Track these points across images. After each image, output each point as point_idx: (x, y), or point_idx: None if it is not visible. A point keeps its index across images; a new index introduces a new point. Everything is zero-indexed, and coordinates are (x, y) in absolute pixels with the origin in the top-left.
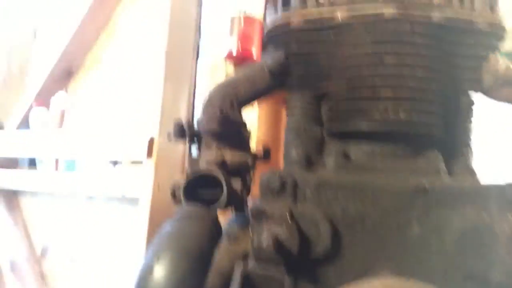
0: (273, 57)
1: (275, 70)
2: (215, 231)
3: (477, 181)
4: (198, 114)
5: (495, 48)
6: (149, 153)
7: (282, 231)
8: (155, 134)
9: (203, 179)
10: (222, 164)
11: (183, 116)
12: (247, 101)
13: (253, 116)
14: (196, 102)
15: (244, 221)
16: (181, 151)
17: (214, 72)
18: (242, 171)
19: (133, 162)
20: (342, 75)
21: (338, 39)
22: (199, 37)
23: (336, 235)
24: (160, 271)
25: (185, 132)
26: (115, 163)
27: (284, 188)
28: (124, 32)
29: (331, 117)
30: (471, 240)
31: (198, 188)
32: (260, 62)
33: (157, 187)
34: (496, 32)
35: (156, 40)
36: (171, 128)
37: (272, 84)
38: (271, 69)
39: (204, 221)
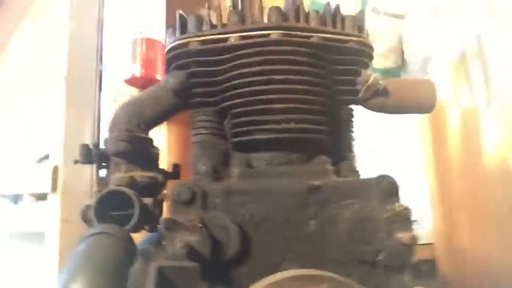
0: (175, 77)
1: (177, 90)
2: (131, 248)
3: (360, 178)
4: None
5: (365, 65)
6: (54, 184)
7: (194, 238)
8: (59, 163)
9: (114, 200)
10: (132, 184)
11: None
12: (153, 121)
13: (162, 139)
14: (102, 128)
15: (158, 239)
16: (88, 180)
17: (118, 97)
18: (153, 190)
19: (36, 196)
20: (239, 92)
21: (232, 59)
22: (101, 61)
23: (245, 237)
24: None
25: (92, 155)
26: (16, 197)
27: (194, 198)
28: (20, 59)
29: (233, 131)
30: (360, 228)
31: (109, 210)
32: (162, 83)
33: (64, 220)
34: (365, 50)
35: (55, 66)
36: (76, 155)
37: (176, 103)
38: (174, 89)
39: (118, 237)
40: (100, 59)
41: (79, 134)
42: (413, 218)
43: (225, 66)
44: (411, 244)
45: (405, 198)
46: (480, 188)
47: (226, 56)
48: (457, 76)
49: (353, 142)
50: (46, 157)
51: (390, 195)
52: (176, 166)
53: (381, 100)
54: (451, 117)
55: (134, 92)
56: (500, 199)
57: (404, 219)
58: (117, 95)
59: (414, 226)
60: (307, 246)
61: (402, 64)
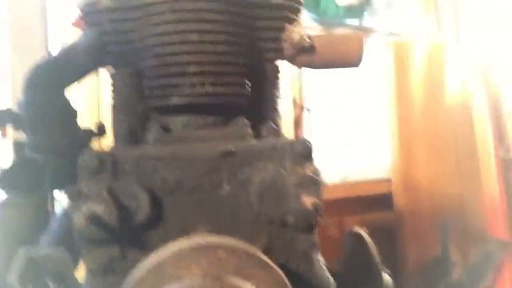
0: (88, 36)
1: (90, 50)
2: (42, 218)
3: (276, 139)
4: None
5: (291, 20)
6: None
7: (100, 207)
8: None
9: (27, 164)
10: (50, 147)
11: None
12: (68, 80)
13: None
14: None
15: None
16: None
17: (66, 40)
18: (73, 152)
19: None
20: (153, 52)
21: (146, 18)
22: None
23: (156, 202)
24: None
25: (5, 118)
26: None
27: (102, 166)
28: None
29: (149, 93)
30: (269, 191)
31: (22, 174)
32: (76, 42)
33: None
34: (290, 4)
35: None
36: None
37: (90, 63)
38: (86, 49)
39: (24, 206)
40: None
41: None
42: (321, 182)
43: (139, 24)
44: (314, 209)
45: (365, 133)
46: (440, 125)
47: (140, 13)
48: (426, 11)
49: (278, 100)
50: None
51: (304, 158)
52: (100, 125)
53: (307, 56)
54: (417, 54)
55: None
56: (458, 136)
57: (311, 183)
58: (66, 39)
59: (321, 190)
60: (219, 209)
61: (366, 1)
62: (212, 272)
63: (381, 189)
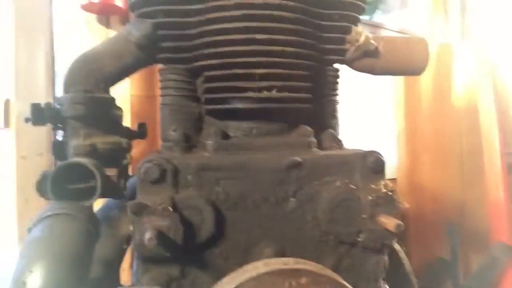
0: (140, 29)
1: (142, 43)
2: (92, 228)
3: (343, 152)
4: (59, 73)
5: (356, 21)
6: (6, 119)
7: (164, 223)
8: (11, 96)
9: (73, 170)
10: (93, 153)
11: (42, 75)
12: (114, 78)
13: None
14: (56, 60)
15: (122, 203)
16: None
17: (73, 23)
18: (117, 156)
19: None
20: (214, 51)
21: (208, 11)
22: None
23: (219, 217)
24: (34, 284)
25: (44, 115)
26: None
27: (164, 176)
28: None
29: (207, 96)
30: (339, 208)
31: (68, 182)
32: (124, 33)
33: (21, 158)
34: (358, 4)
35: None
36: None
37: (140, 58)
38: (138, 42)
39: (78, 218)
40: None
41: (30, 66)
42: (396, 199)
43: (199, 18)
44: (397, 232)
45: (372, 134)
46: (446, 126)
47: (201, 6)
48: (435, 10)
49: (338, 106)
50: None
51: (375, 173)
52: (141, 125)
53: (370, 61)
54: (430, 55)
55: (91, 19)
56: (464, 137)
57: (389, 201)
58: (73, 22)
59: (396, 208)
60: (284, 225)
61: None
62: None
63: None
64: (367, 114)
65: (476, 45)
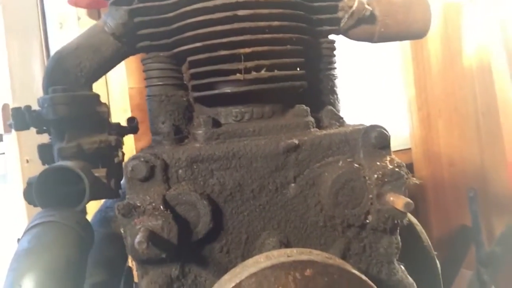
0: (115, 17)
1: (120, 32)
2: (84, 234)
3: (344, 129)
4: None
5: None
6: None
7: (157, 223)
8: (8, 100)
9: (60, 174)
10: (80, 153)
11: (38, 77)
12: (95, 73)
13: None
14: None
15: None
16: None
17: (64, 20)
18: (106, 155)
19: None
20: (195, 33)
21: None
22: None
23: (216, 211)
24: None
25: (26, 120)
26: None
27: (153, 173)
28: None
29: (193, 83)
30: (344, 190)
31: (57, 186)
32: (100, 25)
33: (26, 162)
34: None
35: None
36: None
37: (120, 49)
38: (115, 32)
39: (68, 226)
40: None
41: (25, 67)
42: (405, 175)
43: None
44: (406, 211)
45: (381, 104)
46: (458, 88)
47: None
48: None
49: (336, 81)
50: None
51: (380, 148)
52: (131, 120)
53: (367, 28)
54: (432, 15)
55: (81, 13)
56: (478, 99)
57: (396, 178)
58: (63, 19)
59: (405, 185)
60: (286, 213)
61: None
62: None
63: (401, 159)
64: (374, 84)
65: (485, 2)
